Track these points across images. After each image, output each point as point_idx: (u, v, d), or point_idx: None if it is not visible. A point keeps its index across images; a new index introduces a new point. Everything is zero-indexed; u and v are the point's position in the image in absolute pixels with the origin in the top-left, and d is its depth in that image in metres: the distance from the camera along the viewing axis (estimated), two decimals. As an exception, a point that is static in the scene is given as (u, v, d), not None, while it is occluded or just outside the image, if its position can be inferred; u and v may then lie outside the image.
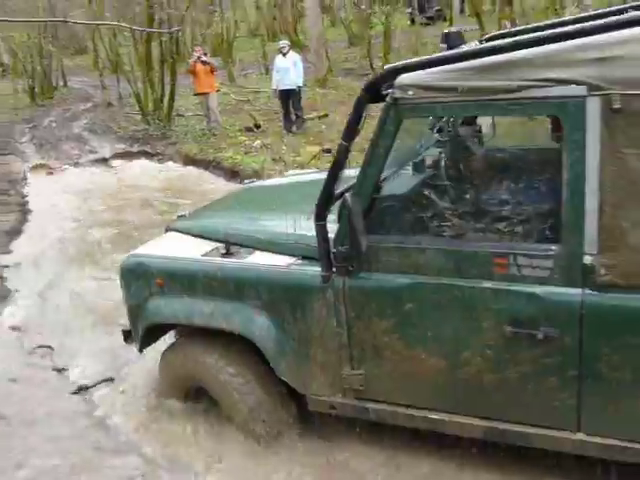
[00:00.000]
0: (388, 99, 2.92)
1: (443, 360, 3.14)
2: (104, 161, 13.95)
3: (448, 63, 2.80)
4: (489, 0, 31.04)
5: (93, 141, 16.11)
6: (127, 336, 4.16)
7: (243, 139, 13.37)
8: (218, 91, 15.84)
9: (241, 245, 3.72)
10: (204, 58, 14.51)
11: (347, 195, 2.97)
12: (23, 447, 4.04)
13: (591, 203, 2.63)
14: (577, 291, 2.74)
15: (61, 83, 27.03)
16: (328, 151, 11.16)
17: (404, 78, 2.87)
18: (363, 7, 24.63)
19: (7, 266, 7.69)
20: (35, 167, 13.68)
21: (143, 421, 4.15)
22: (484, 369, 3.05)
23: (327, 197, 3.14)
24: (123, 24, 15.62)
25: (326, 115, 15.22)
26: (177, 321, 3.77)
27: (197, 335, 3.71)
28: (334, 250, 3.15)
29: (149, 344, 4.09)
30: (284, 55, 13.78)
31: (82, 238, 8.54)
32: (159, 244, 4.13)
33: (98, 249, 8.03)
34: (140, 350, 4.08)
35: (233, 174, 11.51)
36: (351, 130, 3.01)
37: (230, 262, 3.59)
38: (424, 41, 25.17)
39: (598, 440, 2.93)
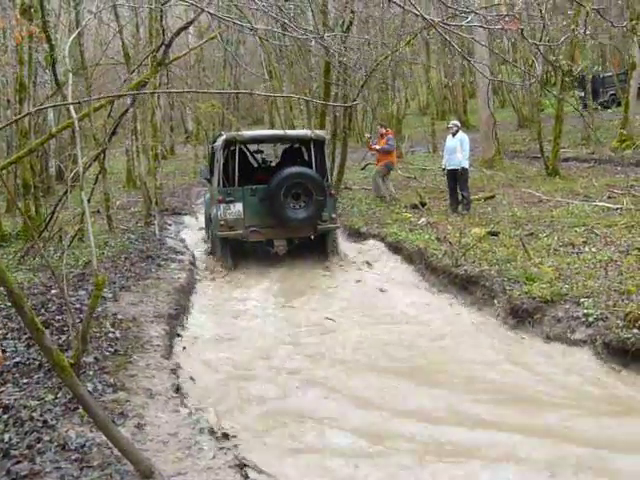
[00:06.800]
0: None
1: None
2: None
3: None
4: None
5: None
6: None
7: (408, 216, 13.50)
8: (388, 168, 16.64)
9: None
10: (377, 147, 16.47)
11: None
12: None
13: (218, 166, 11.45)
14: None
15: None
16: (494, 234, 11.00)
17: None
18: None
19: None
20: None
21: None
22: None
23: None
24: (302, 96, 16.47)
25: (492, 197, 15.10)
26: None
27: None
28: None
29: None
30: (453, 135, 13.93)
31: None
32: None
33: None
34: None
35: (396, 250, 11.62)
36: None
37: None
38: (597, 125, 24.51)
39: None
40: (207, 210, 13.22)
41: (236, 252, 11.48)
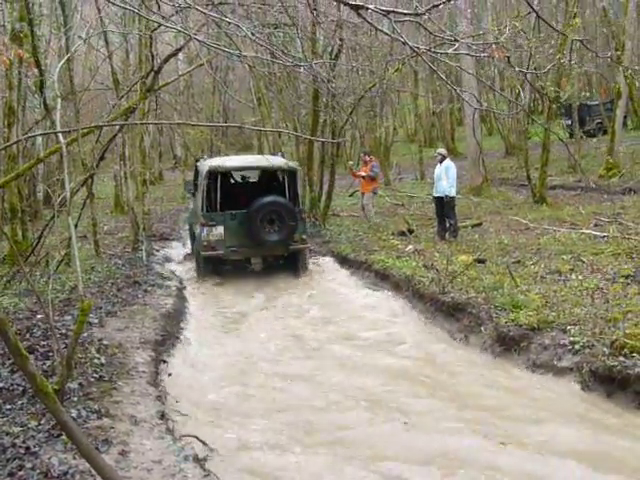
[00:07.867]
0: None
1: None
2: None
3: None
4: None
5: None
6: None
7: (395, 243, 13.50)
8: (375, 193, 16.96)
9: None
10: (362, 174, 16.66)
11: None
12: None
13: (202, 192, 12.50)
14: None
15: (225, 176, 28.71)
16: (481, 261, 11.01)
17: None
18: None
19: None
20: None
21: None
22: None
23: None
24: (290, 125, 16.56)
25: (480, 224, 15.16)
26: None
27: None
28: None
29: None
30: (440, 163, 14.00)
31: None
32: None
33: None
34: None
35: (383, 277, 11.62)
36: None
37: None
38: (583, 154, 24.73)
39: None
40: (190, 222, 15.12)
41: (218, 268, 12.99)
